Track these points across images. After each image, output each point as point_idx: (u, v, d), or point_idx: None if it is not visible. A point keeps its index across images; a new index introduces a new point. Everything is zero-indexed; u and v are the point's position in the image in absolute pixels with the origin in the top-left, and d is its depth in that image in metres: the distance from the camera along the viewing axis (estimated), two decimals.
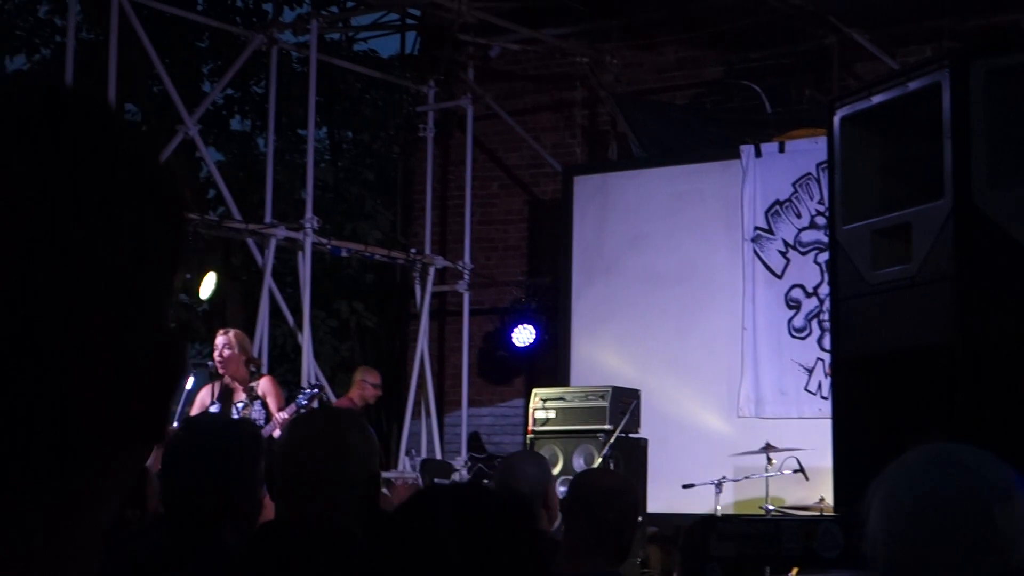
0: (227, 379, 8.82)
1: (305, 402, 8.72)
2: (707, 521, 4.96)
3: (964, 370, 4.43)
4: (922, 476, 2.00)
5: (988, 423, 4.33)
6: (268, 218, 11.88)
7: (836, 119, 5.03)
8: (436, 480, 9.97)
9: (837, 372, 5.06)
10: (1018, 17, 10.75)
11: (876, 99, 4.91)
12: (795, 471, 8.95)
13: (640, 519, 4.05)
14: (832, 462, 4.89)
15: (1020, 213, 4.37)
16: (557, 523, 4.31)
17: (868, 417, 4.77)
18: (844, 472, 4.83)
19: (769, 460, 9.15)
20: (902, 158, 4.97)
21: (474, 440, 12.70)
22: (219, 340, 8.84)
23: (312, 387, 9.23)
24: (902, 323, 4.69)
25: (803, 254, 10.69)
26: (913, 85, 4.74)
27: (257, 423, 8.64)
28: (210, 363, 8.89)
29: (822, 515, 7.33)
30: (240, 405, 8.65)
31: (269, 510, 2.84)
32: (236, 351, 8.88)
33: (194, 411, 8.85)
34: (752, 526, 4.43)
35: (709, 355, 11.01)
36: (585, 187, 12.01)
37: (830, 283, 5.14)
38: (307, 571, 2.49)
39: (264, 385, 8.77)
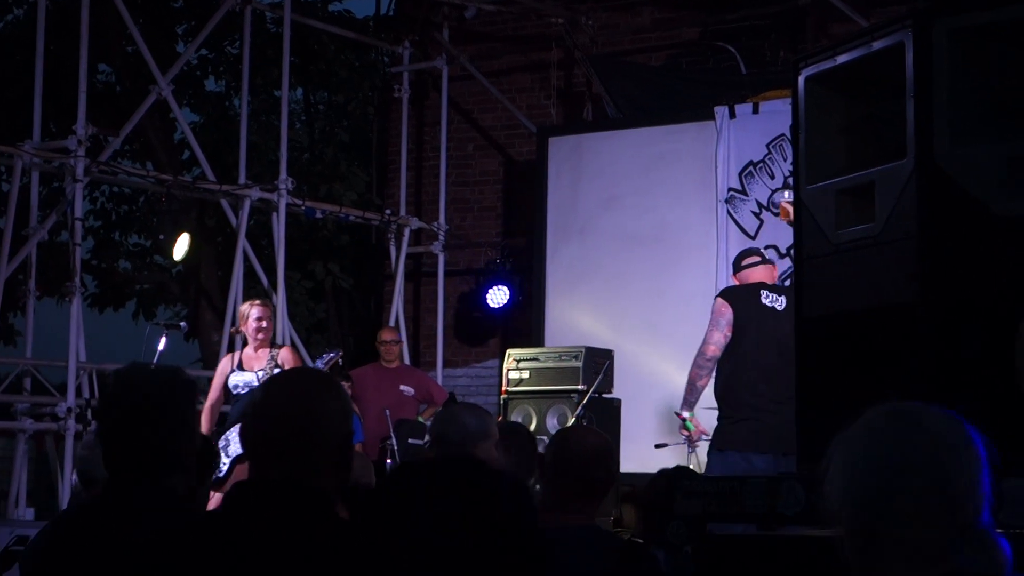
0: (251, 348, 8.83)
1: (323, 367, 8.70)
2: (670, 478, 5.00)
3: (925, 329, 4.46)
4: (880, 434, 2.03)
5: (949, 382, 4.37)
6: (242, 179, 11.85)
7: (801, 79, 5.03)
8: (410, 440, 9.98)
9: (801, 331, 5.08)
10: None
11: (841, 59, 4.91)
12: None
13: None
14: (795, 421, 4.92)
15: (982, 172, 4.39)
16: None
17: (831, 376, 4.80)
18: (807, 431, 4.87)
19: None
20: (866, 118, 4.98)
21: (449, 401, 12.71)
22: (259, 311, 8.80)
23: (331, 352, 9.19)
24: (865, 283, 4.71)
25: (776, 215, 10.70)
26: (877, 45, 4.74)
27: None
28: (183, 324, 8.88)
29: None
30: (261, 374, 8.63)
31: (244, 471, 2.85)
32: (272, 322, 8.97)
33: (215, 380, 8.90)
34: (716, 484, 4.46)
35: (683, 315, 11.01)
36: (560, 148, 11.99)
37: (794, 243, 5.16)
38: (281, 532, 2.51)
39: (284, 354, 8.84)
